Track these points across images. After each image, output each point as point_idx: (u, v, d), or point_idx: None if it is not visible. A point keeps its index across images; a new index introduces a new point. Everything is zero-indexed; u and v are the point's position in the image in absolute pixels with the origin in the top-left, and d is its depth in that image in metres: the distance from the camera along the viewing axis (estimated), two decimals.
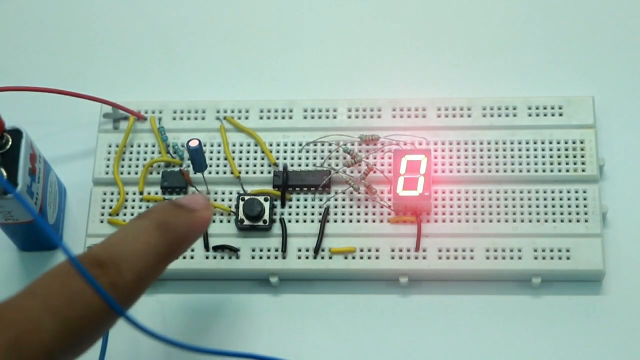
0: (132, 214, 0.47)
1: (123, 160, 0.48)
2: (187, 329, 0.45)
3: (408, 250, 0.45)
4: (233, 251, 0.46)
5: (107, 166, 0.48)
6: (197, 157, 0.44)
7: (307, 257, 0.46)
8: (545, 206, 0.46)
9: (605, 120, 0.48)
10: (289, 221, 0.46)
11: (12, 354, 0.31)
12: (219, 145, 0.48)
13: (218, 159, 0.48)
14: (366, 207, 0.46)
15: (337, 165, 0.47)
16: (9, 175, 0.43)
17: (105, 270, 0.34)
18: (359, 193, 0.46)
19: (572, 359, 0.44)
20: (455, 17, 0.52)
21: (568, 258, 0.45)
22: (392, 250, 0.45)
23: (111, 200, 0.48)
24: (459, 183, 0.46)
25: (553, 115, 0.47)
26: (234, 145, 0.48)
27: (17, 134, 0.44)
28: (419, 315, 0.45)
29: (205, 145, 0.48)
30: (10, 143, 0.43)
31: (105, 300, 0.33)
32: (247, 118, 0.49)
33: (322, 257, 0.46)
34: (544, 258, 0.45)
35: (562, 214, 0.46)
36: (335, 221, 0.46)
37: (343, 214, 0.46)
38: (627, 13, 0.52)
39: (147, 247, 0.36)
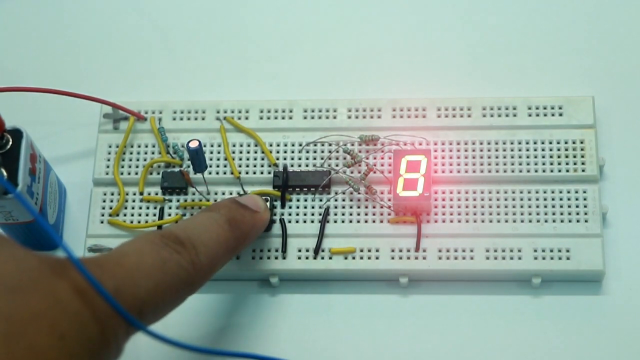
0: (132, 215, 0.47)
1: (123, 160, 0.48)
2: (187, 329, 0.45)
3: (408, 251, 0.45)
4: None
5: (107, 166, 0.48)
6: (197, 158, 0.44)
7: (307, 258, 0.46)
8: (545, 206, 0.46)
9: (605, 120, 0.48)
10: (289, 221, 0.46)
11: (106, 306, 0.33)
12: (219, 146, 0.48)
13: (218, 159, 0.48)
14: (366, 207, 0.46)
15: (337, 165, 0.47)
16: (9, 175, 0.43)
17: (185, 249, 0.37)
18: (359, 193, 0.46)
19: (572, 359, 0.44)
20: (455, 17, 0.52)
21: (568, 258, 0.45)
22: (392, 251, 0.45)
23: (111, 201, 0.48)
24: (459, 183, 0.46)
25: (553, 115, 0.47)
26: (234, 146, 0.48)
27: (17, 134, 0.44)
28: (419, 315, 0.45)
29: (205, 146, 0.48)
30: (10, 143, 0.43)
31: (107, 300, 0.33)
32: (247, 118, 0.49)
33: (322, 258, 0.46)
34: (544, 258, 0.45)
35: (562, 214, 0.46)
36: (335, 221, 0.46)
37: (343, 214, 0.46)
38: (626, 13, 0.52)
39: (219, 238, 0.39)
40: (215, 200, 0.47)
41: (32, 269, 0.32)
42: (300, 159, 0.48)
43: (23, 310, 0.31)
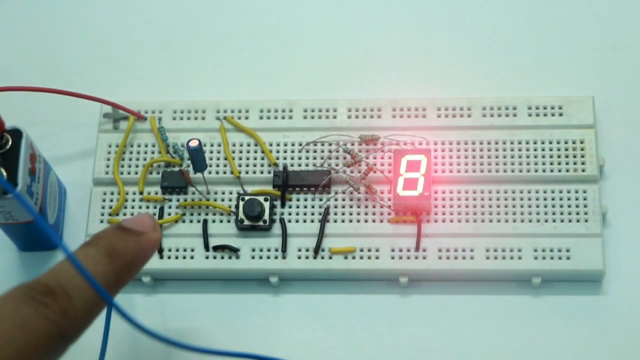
0: (132, 214, 0.47)
1: (123, 160, 0.48)
2: (187, 329, 0.45)
3: (408, 250, 0.45)
4: (233, 251, 0.46)
5: (107, 166, 0.48)
6: (197, 157, 0.44)
7: (307, 257, 0.46)
8: (545, 206, 0.46)
9: (605, 120, 0.48)
10: (289, 221, 0.46)
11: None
12: (219, 145, 0.48)
13: (218, 159, 0.48)
14: (366, 207, 0.46)
15: (337, 165, 0.47)
16: (9, 175, 0.43)
17: (55, 298, 0.34)
18: (359, 193, 0.46)
19: (572, 358, 0.44)
20: (455, 17, 0.52)
21: (568, 258, 0.45)
22: (392, 250, 0.45)
23: (111, 201, 0.48)
24: (459, 183, 0.46)
25: (553, 115, 0.47)
26: (234, 145, 0.48)
27: (17, 134, 0.44)
28: (419, 315, 0.45)
29: (205, 145, 0.48)
30: (10, 143, 0.43)
31: (101, 296, 0.33)
32: (247, 118, 0.49)
33: (322, 257, 0.46)
34: (544, 258, 0.45)
35: (562, 214, 0.46)
36: (335, 221, 0.46)
37: (343, 214, 0.46)
38: (627, 13, 0.52)
39: (96, 276, 0.35)
40: (215, 200, 0.47)
41: None
42: (300, 158, 0.48)
43: None
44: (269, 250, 0.46)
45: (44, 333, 0.33)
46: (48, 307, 0.34)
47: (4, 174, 0.43)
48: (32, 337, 0.33)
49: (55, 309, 0.34)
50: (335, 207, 0.47)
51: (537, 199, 0.46)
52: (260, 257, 0.46)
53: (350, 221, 0.46)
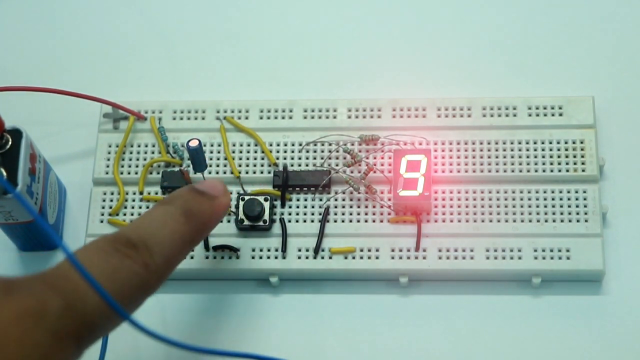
0: (132, 214, 0.47)
1: (123, 160, 0.48)
2: (187, 329, 0.45)
3: (408, 250, 0.45)
4: (233, 251, 0.46)
5: (107, 166, 0.48)
6: (197, 157, 0.44)
7: (307, 257, 0.46)
8: (545, 206, 0.46)
9: (605, 120, 0.48)
10: (289, 221, 0.46)
11: (61, 321, 0.32)
12: (219, 145, 0.48)
13: (218, 159, 0.48)
14: (366, 207, 0.46)
15: (337, 165, 0.47)
16: (9, 175, 0.43)
17: (138, 251, 0.36)
18: (359, 193, 0.46)
19: (572, 359, 0.44)
20: (455, 17, 0.52)
21: (568, 258, 0.45)
22: (392, 250, 0.45)
23: (111, 201, 0.48)
24: (459, 183, 0.46)
25: (553, 115, 0.47)
26: (234, 145, 0.48)
27: (17, 134, 0.44)
28: (419, 315, 0.45)
29: (205, 145, 0.48)
30: (10, 143, 0.43)
31: (107, 302, 0.33)
32: (247, 118, 0.49)
33: (322, 257, 0.46)
34: (544, 258, 0.45)
35: (562, 214, 0.46)
36: (335, 221, 0.46)
37: (343, 214, 0.46)
38: (627, 13, 0.52)
39: (175, 233, 0.37)
40: None
41: None
42: (300, 158, 0.48)
43: None
44: (269, 250, 0.46)
45: (127, 283, 0.35)
46: (131, 258, 0.35)
47: (4, 174, 0.43)
48: (117, 286, 0.34)
49: (138, 261, 0.35)
50: (335, 207, 0.47)
51: (537, 199, 0.46)
52: (260, 257, 0.46)
53: (350, 221, 0.46)
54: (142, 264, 0.35)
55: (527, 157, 0.47)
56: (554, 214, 0.46)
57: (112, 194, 0.48)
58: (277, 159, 0.48)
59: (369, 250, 0.46)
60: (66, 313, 0.32)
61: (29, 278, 0.33)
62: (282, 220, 0.46)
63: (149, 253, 0.36)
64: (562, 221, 0.45)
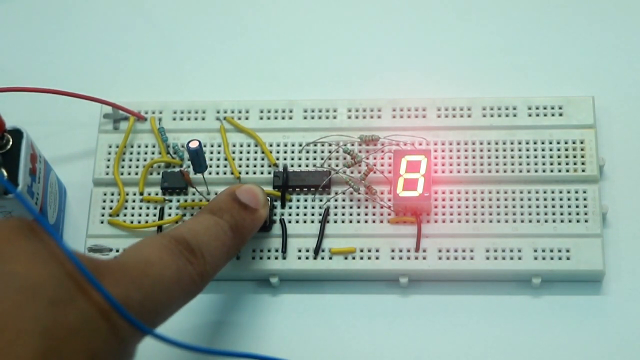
0: (132, 215, 0.47)
1: (123, 160, 0.48)
2: (188, 329, 0.45)
3: (408, 251, 0.45)
4: None
5: (108, 167, 0.48)
6: (197, 158, 0.44)
7: (307, 258, 0.46)
8: (545, 206, 0.46)
9: (605, 121, 0.48)
10: (289, 222, 0.46)
11: (137, 315, 0.33)
12: (219, 146, 0.48)
13: (218, 159, 0.48)
14: (366, 207, 0.46)
15: (337, 165, 0.47)
16: (10, 176, 0.43)
17: (196, 258, 0.37)
18: (359, 193, 0.46)
19: (571, 359, 0.44)
20: (455, 17, 0.52)
21: (568, 258, 0.45)
22: (392, 251, 0.45)
23: (111, 201, 0.48)
24: (459, 183, 0.46)
25: (553, 115, 0.47)
26: (234, 146, 0.48)
27: (17, 134, 0.44)
28: (419, 315, 0.45)
29: (205, 146, 0.48)
30: (10, 143, 0.44)
31: (112, 306, 0.33)
32: (247, 118, 0.49)
33: (322, 258, 0.46)
34: (544, 258, 0.45)
35: (562, 214, 0.46)
36: (335, 222, 0.46)
37: (343, 215, 0.46)
38: (627, 13, 0.52)
39: (224, 247, 0.40)
40: None
41: (69, 279, 0.31)
42: (300, 159, 0.48)
43: (61, 326, 0.30)
44: (269, 250, 0.46)
45: (186, 289, 0.36)
46: (192, 265, 0.37)
47: (5, 174, 0.43)
48: (179, 290, 0.36)
49: (197, 268, 0.37)
50: (335, 207, 0.47)
51: (537, 199, 0.46)
52: (261, 258, 0.46)
53: (350, 222, 0.46)
54: (199, 272, 0.37)
55: (527, 157, 0.47)
56: (554, 214, 0.46)
57: (113, 194, 0.48)
58: (277, 159, 0.48)
59: (369, 251, 0.46)
60: (141, 309, 0.33)
61: (114, 266, 0.33)
62: (282, 221, 0.46)
63: (204, 262, 0.37)
64: (562, 221, 0.45)
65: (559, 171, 0.46)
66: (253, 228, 0.42)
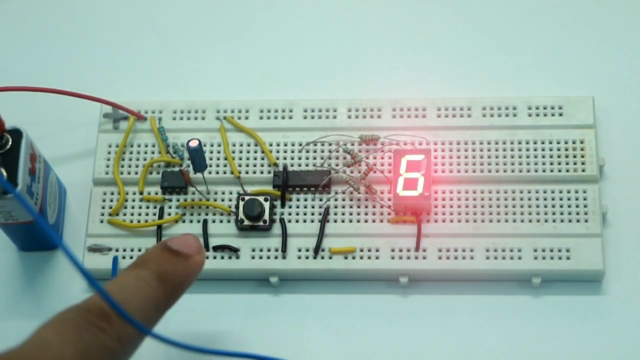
0: (132, 214, 0.47)
1: (123, 160, 0.48)
2: (187, 329, 0.45)
3: (408, 250, 0.45)
4: (233, 251, 0.46)
5: (107, 166, 0.48)
6: (197, 157, 0.44)
7: (307, 257, 0.46)
8: (545, 206, 0.46)
9: (605, 121, 0.48)
10: (289, 221, 0.46)
11: None
12: (219, 145, 0.48)
13: (218, 159, 0.48)
14: (366, 207, 0.46)
15: (337, 165, 0.47)
16: (9, 175, 0.43)
17: (111, 323, 0.34)
18: (359, 193, 0.46)
19: (572, 359, 0.44)
20: (455, 17, 0.52)
21: (568, 258, 0.45)
22: (392, 250, 0.45)
23: (111, 201, 0.48)
24: (459, 183, 0.46)
25: (553, 115, 0.47)
26: (234, 145, 0.48)
27: (17, 134, 0.44)
28: (419, 315, 0.45)
29: (205, 145, 0.48)
30: (10, 143, 0.43)
31: (114, 308, 0.33)
32: (247, 118, 0.49)
33: (322, 257, 0.46)
34: (544, 258, 0.45)
35: (562, 214, 0.46)
36: (335, 221, 0.46)
37: (343, 214, 0.46)
38: (627, 13, 0.52)
39: (149, 300, 0.36)
40: (215, 200, 0.47)
41: None
42: (300, 158, 0.48)
43: None
44: (269, 250, 0.46)
45: (99, 358, 0.34)
46: (105, 332, 0.34)
47: (4, 174, 0.43)
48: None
49: (112, 334, 0.34)
50: (335, 207, 0.47)
51: (537, 199, 0.46)
52: (260, 257, 0.46)
53: (350, 221, 0.46)
54: (115, 338, 0.34)
55: (527, 157, 0.47)
56: (554, 214, 0.46)
57: (112, 194, 0.48)
58: (277, 159, 0.48)
59: (369, 251, 0.46)
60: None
61: (5, 357, 0.32)
62: (282, 220, 0.46)
63: (121, 324, 0.35)
64: (562, 221, 0.45)
65: (559, 171, 0.46)
66: (186, 275, 0.38)
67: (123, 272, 0.38)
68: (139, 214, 0.47)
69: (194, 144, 0.43)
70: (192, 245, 0.39)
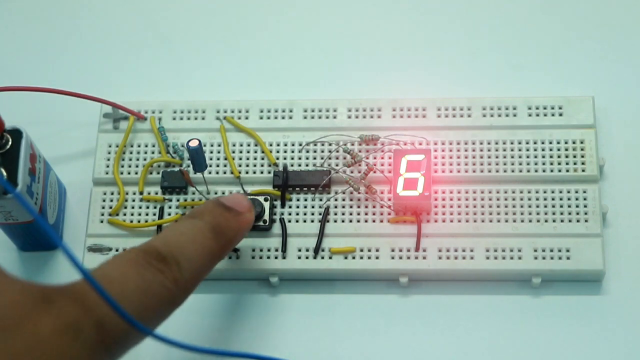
0: (132, 214, 0.47)
1: (123, 160, 0.48)
2: (187, 329, 0.45)
3: (408, 250, 0.45)
4: (233, 251, 0.46)
5: (107, 166, 0.48)
6: (197, 157, 0.44)
7: (307, 257, 0.46)
8: (545, 206, 0.46)
9: (605, 120, 0.48)
10: (289, 221, 0.46)
11: (96, 336, 0.32)
12: (219, 145, 0.48)
13: (218, 159, 0.48)
14: (366, 207, 0.46)
15: (337, 165, 0.47)
16: (9, 175, 0.43)
17: (168, 266, 0.36)
18: (359, 193, 0.46)
19: (572, 358, 0.44)
20: (455, 17, 0.52)
21: (568, 258, 0.45)
22: (392, 250, 0.45)
23: (111, 200, 0.48)
24: (459, 183, 0.46)
25: (553, 115, 0.47)
26: (234, 145, 0.48)
27: (17, 134, 0.44)
28: (419, 315, 0.45)
29: (205, 145, 0.48)
30: (10, 143, 0.43)
31: (116, 310, 0.33)
32: (247, 118, 0.49)
33: (322, 257, 0.46)
34: (544, 258, 0.45)
35: (562, 214, 0.46)
36: (335, 221, 0.46)
37: (343, 214, 0.46)
38: (627, 13, 0.52)
39: (204, 249, 0.38)
40: None
41: (16, 304, 0.31)
42: (300, 158, 0.48)
43: (4, 352, 0.30)
44: (269, 250, 0.46)
45: (158, 298, 0.35)
46: (164, 274, 0.36)
47: (4, 174, 0.43)
48: (150, 300, 0.35)
49: (169, 276, 0.36)
50: (335, 207, 0.47)
51: (537, 199, 0.46)
52: (260, 257, 0.46)
53: (350, 221, 0.46)
54: (172, 280, 0.36)
55: (527, 157, 0.47)
56: (554, 214, 0.46)
57: (112, 193, 0.48)
58: (277, 159, 0.48)
59: (369, 250, 0.46)
60: (100, 328, 0.32)
61: (63, 289, 0.33)
62: (282, 220, 0.46)
63: (179, 269, 0.36)
64: (562, 221, 0.45)
65: (559, 171, 0.46)
66: (239, 230, 0.40)
67: (179, 220, 0.39)
68: (139, 214, 0.47)
69: (194, 144, 0.43)
70: (243, 203, 0.41)
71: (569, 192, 0.46)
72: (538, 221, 0.45)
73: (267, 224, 0.46)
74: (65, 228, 0.49)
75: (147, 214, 0.47)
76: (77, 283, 0.34)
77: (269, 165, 0.48)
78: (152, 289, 0.35)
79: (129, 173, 0.48)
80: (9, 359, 0.30)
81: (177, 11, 0.54)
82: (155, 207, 0.47)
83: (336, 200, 0.47)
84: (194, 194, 0.47)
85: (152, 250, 0.36)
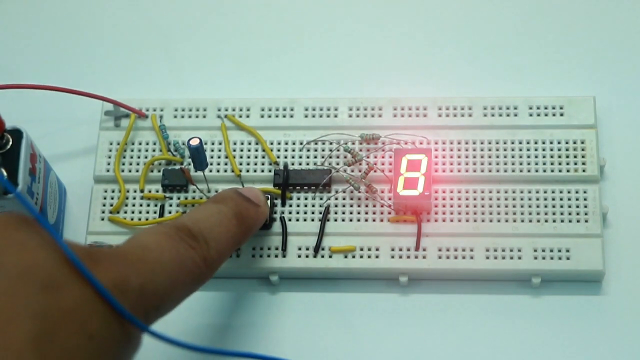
0: (133, 212, 0.47)
1: (124, 158, 0.48)
2: (187, 329, 0.45)
3: (408, 250, 0.45)
4: None
5: (108, 164, 0.48)
6: (198, 155, 0.44)
7: (307, 256, 0.46)
8: (546, 206, 0.46)
9: (606, 121, 0.48)
10: (289, 220, 0.46)
11: (138, 299, 0.33)
12: (220, 144, 0.48)
13: (219, 157, 0.48)
14: (366, 206, 0.46)
15: (337, 164, 0.47)
16: (10, 175, 0.43)
17: (199, 244, 0.37)
18: (360, 192, 0.46)
19: (571, 358, 0.44)
20: (456, 17, 0.52)
21: (568, 258, 0.45)
22: (392, 250, 0.46)
23: (112, 198, 0.48)
24: (459, 183, 0.46)
25: (554, 115, 0.47)
26: (234, 144, 0.48)
27: (17, 134, 0.44)
28: (418, 315, 0.46)
29: (206, 144, 0.48)
30: (10, 143, 0.44)
31: (101, 294, 0.33)
32: (248, 116, 0.49)
33: (322, 256, 0.46)
34: (544, 258, 0.45)
35: (562, 214, 0.46)
36: (336, 220, 0.46)
37: (343, 213, 0.46)
38: (627, 13, 0.51)
39: (228, 232, 0.39)
40: None
41: (63, 264, 0.31)
42: (301, 157, 0.48)
43: (55, 309, 0.30)
44: (269, 249, 0.46)
45: (189, 273, 0.36)
46: (195, 250, 0.37)
47: (5, 174, 0.43)
48: (182, 274, 0.36)
49: (199, 253, 0.37)
50: (336, 206, 0.47)
51: (537, 199, 0.46)
52: (261, 256, 0.46)
53: (351, 220, 0.46)
54: (202, 257, 0.37)
55: (528, 157, 0.47)
56: (554, 214, 0.46)
57: (113, 191, 0.48)
58: (278, 157, 0.48)
59: (369, 250, 0.46)
60: (142, 292, 0.33)
61: (110, 252, 0.33)
62: (282, 219, 0.46)
63: (207, 247, 0.37)
64: (562, 221, 0.45)
65: (560, 171, 0.46)
66: (257, 220, 0.42)
67: (205, 204, 0.41)
68: (140, 212, 0.47)
69: (194, 142, 0.43)
70: (259, 197, 0.43)
71: (569, 192, 0.46)
72: (538, 221, 0.45)
73: (268, 222, 0.46)
74: (66, 226, 0.49)
75: (147, 212, 0.47)
76: (122, 246, 0.35)
77: (270, 164, 0.48)
78: (185, 263, 0.36)
79: (129, 171, 0.48)
80: (60, 315, 0.30)
81: (179, 9, 0.54)
82: (156, 205, 0.47)
83: (336, 199, 0.47)
84: (194, 192, 0.47)
85: (184, 227, 0.37)
